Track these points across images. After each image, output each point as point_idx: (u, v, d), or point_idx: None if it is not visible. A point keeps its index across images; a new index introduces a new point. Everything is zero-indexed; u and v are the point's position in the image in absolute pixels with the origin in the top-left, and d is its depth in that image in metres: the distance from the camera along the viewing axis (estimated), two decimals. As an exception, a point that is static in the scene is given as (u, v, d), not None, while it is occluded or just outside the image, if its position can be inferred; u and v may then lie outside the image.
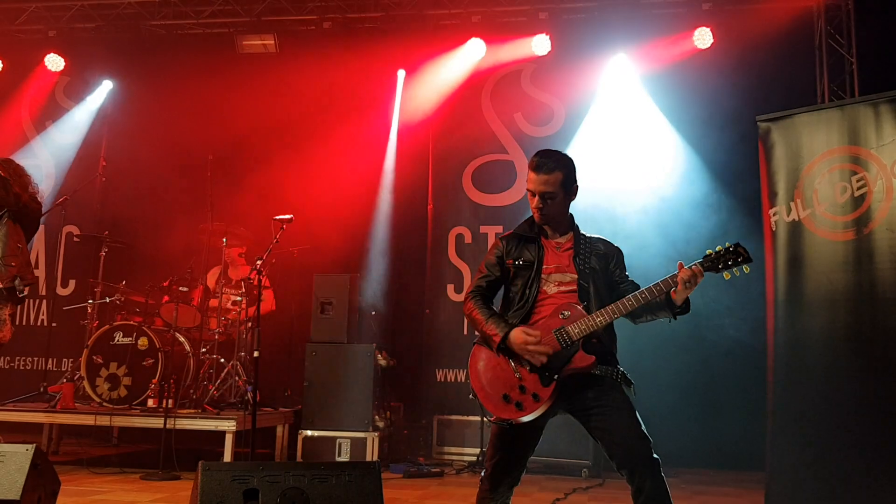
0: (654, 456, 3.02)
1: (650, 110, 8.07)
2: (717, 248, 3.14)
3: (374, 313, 7.74)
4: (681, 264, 3.13)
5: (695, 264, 3.12)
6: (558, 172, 3.31)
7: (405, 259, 8.51)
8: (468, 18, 8.58)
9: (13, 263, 4.82)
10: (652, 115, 8.05)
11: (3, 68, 9.15)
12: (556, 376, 3.13)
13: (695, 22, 7.92)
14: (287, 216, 5.78)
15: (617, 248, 3.46)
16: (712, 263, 3.12)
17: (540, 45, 8.25)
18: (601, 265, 3.35)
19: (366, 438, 6.72)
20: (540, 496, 5.59)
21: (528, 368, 3.16)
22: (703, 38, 7.85)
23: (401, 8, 8.63)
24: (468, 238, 8.47)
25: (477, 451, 7.14)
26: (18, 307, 5.00)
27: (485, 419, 7.13)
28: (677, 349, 7.29)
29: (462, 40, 8.45)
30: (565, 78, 8.30)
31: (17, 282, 4.82)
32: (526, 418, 3.14)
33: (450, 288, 8.39)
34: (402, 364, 7.80)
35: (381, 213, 8.50)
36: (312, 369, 7.01)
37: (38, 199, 5.12)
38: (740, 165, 7.23)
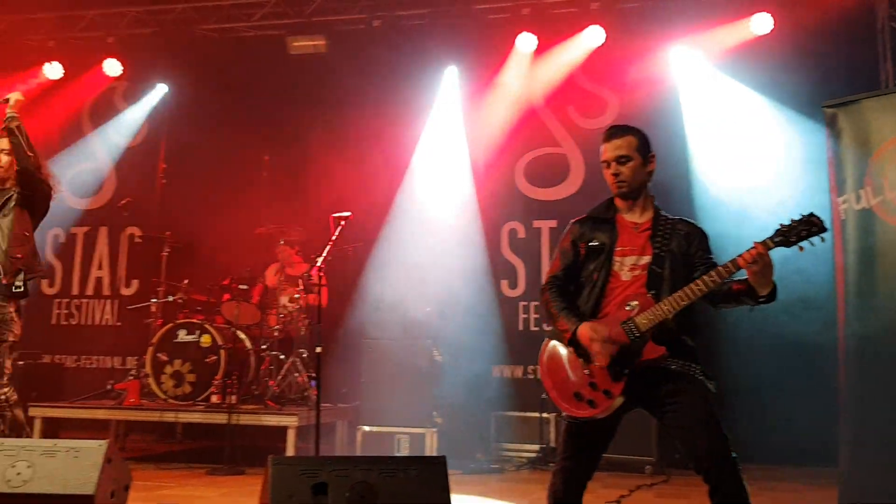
0: (733, 455, 2.92)
1: (708, 99, 7.92)
2: (789, 221, 2.95)
3: (428, 309, 7.75)
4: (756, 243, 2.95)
5: (762, 241, 2.94)
6: (631, 136, 3.25)
7: (458, 255, 8.48)
8: (518, 12, 8.52)
9: (19, 255, 4.74)
10: (711, 104, 7.90)
11: (64, 74, 9.35)
12: (626, 371, 3.04)
13: (752, 7, 7.75)
14: (345, 213, 5.81)
15: (700, 229, 3.28)
16: (783, 237, 2.93)
17: (592, 36, 8.15)
18: (681, 248, 3.18)
19: (424, 434, 6.74)
20: (603, 493, 5.54)
21: (597, 365, 3.09)
22: (763, 23, 7.67)
23: (450, 4, 8.61)
24: (521, 233, 8.43)
25: (537, 447, 7.10)
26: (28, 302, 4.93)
27: (544, 416, 7.11)
28: (746, 342, 7.16)
29: (512, 34, 8.38)
30: (619, 69, 8.19)
31: (19, 277, 4.71)
32: (599, 416, 3.08)
33: (503, 284, 8.37)
34: (457, 360, 7.78)
35: (432, 208, 8.49)
36: (369, 365, 7.05)
37: (51, 181, 5.01)
38: (802, 154, 7.06)
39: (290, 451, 6.26)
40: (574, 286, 3.32)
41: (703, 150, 7.90)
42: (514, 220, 8.45)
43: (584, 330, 3.11)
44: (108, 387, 7.23)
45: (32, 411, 6.82)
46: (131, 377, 7.13)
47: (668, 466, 6.48)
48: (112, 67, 9.26)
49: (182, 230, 8.21)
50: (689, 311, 3.12)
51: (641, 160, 3.25)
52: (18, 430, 4.83)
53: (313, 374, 6.81)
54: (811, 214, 2.94)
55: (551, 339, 3.29)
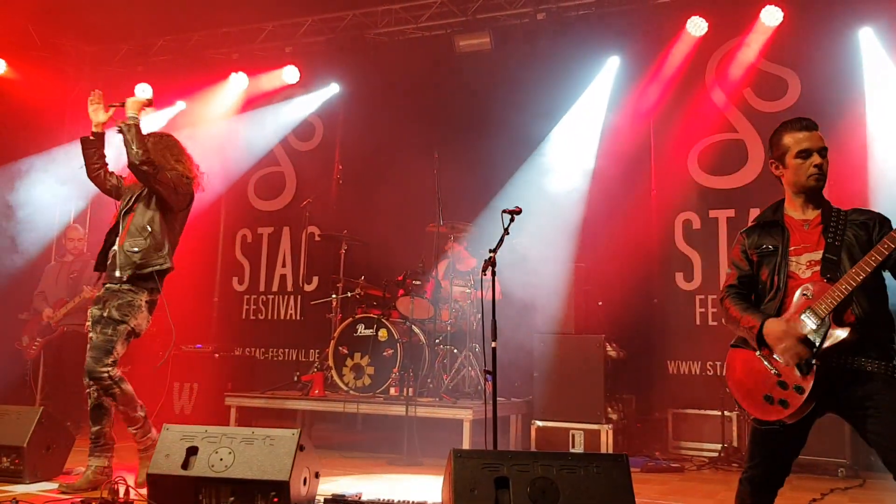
0: None
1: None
2: None
3: (600, 303, 7.64)
4: None
5: None
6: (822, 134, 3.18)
7: (630, 247, 8.31)
8: (688, -5, 8.22)
9: (135, 249, 4.93)
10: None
11: (248, 85, 9.95)
12: (813, 361, 2.89)
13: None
14: (516, 208, 5.81)
15: (880, 214, 3.11)
16: None
17: (770, 16, 7.71)
18: (860, 236, 3.02)
19: (599, 430, 6.66)
20: (793, 496, 5.24)
21: (783, 362, 2.97)
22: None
23: (616, -9, 8.45)
24: (696, 224, 8.12)
25: (718, 446, 6.84)
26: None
27: (726, 414, 6.83)
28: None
29: (681, 19, 8.10)
30: (800, 49, 7.72)
31: (128, 271, 4.90)
32: (794, 414, 2.93)
33: (678, 276, 8.10)
34: (631, 355, 7.63)
35: (601, 202, 8.35)
36: (541, 360, 7.05)
37: (178, 177, 5.09)
38: None
39: (465, 444, 6.36)
40: (754, 295, 3.24)
41: (884, 137, 7.28)
42: (688, 210, 8.15)
43: (772, 326, 3.00)
44: (295, 378, 7.62)
45: (228, 401, 7.33)
46: (316, 369, 7.49)
47: (864, 469, 6.07)
48: (291, 75, 9.74)
49: (358, 228, 8.52)
50: (880, 299, 2.98)
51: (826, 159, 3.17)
52: (132, 402, 4.99)
53: (488, 370, 6.88)
54: None
55: (734, 347, 3.21)
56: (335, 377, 7.17)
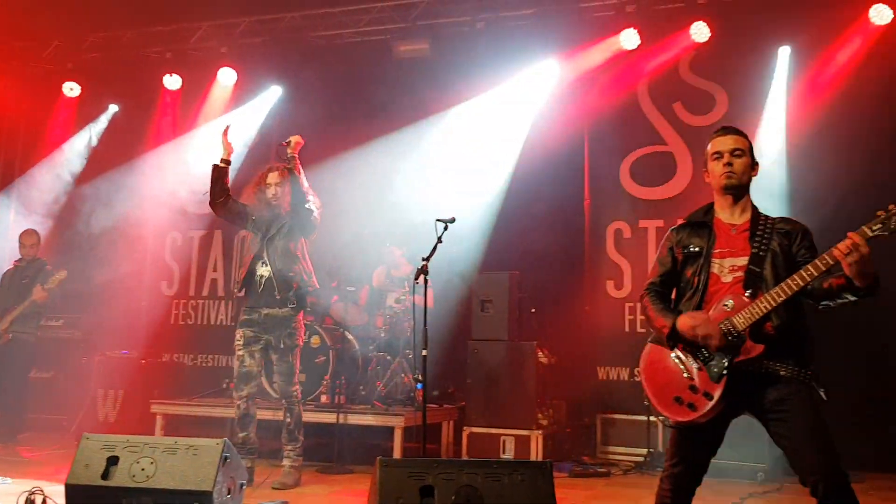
0: (843, 472, 2.82)
1: (818, 101, 7.57)
2: (888, 207, 2.80)
3: (533, 311, 7.72)
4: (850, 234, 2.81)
5: (858, 230, 2.80)
6: (744, 138, 3.29)
7: (563, 255, 8.43)
8: (622, 9, 8.36)
9: (291, 273, 5.54)
10: (819, 107, 7.55)
11: (181, 85, 9.78)
12: (725, 371, 2.98)
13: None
14: (449, 217, 5.84)
15: (801, 225, 3.19)
16: (883, 224, 2.78)
17: (699, 32, 7.93)
18: (783, 246, 3.11)
19: (530, 436, 6.72)
20: (713, 500, 5.38)
21: (696, 367, 3.06)
22: (881, 14, 7.27)
23: (554, 3, 8.54)
24: (627, 233, 8.27)
25: (644, 451, 6.97)
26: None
27: (652, 419, 6.96)
28: (867, 343, 6.85)
29: (617, 31, 8.25)
30: (727, 65, 7.96)
31: (290, 292, 5.55)
32: (700, 419, 3.02)
33: (609, 284, 8.23)
34: (562, 361, 7.73)
35: (536, 210, 8.45)
36: (474, 367, 7.09)
37: (317, 209, 5.74)
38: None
39: (397, 451, 6.36)
40: (675, 292, 3.33)
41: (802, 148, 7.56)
42: (619, 219, 8.30)
43: (684, 320, 3.10)
44: (224, 385, 7.51)
45: (154, 408, 7.18)
46: (245, 376, 7.37)
47: (782, 474, 6.24)
48: (227, 76, 9.59)
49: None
50: (796, 310, 3.06)
51: (750, 160, 3.27)
52: (300, 425, 5.72)
53: (419, 377, 6.90)
54: None
55: (651, 343, 3.29)
56: (265, 384, 7.06)
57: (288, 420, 5.65)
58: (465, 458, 6.77)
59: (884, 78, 7.28)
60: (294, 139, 5.76)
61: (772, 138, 7.64)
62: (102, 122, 10.20)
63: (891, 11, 7.23)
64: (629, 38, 8.18)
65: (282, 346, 5.55)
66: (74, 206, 9.73)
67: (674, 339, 3.14)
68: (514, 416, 6.82)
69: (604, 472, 6.60)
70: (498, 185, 8.50)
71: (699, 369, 3.05)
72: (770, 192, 7.28)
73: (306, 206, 5.61)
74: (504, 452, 6.73)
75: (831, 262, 2.86)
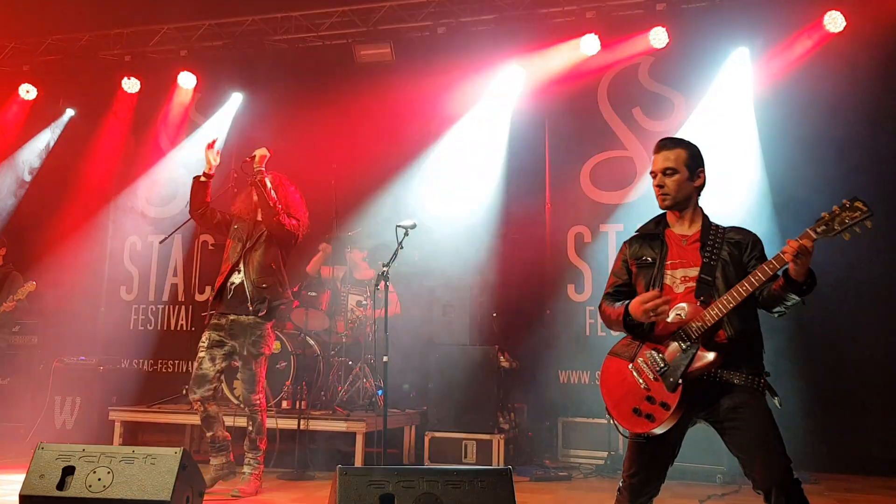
0: (795, 477, 2.87)
1: (775, 104, 7.72)
2: (832, 209, 2.87)
3: (495, 315, 7.76)
4: (790, 241, 2.89)
5: (804, 233, 2.88)
6: (680, 150, 3.27)
7: (524, 260, 8.48)
8: (583, 15, 8.46)
9: (264, 285, 5.50)
10: (777, 109, 7.70)
11: (140, 88, 9.67)
12: (680, 380, 3.01)
13: (823, 7, 7.53)
14: (410, 222, 5.87)
15: (753, 234, 3.25)
16: (827, 226, 2.86)
17: (657, 37, 8.05)
18: (733, 256, 3.16)
19: (491, 440, 6.75)
20: (672, 502, 5.47)
21: (652, 377, 3.10)
22: (835, 21, 7.44)
23: (514, 8, 8.61)
24: (588, 237, 8.35)
25: (605, 454, 7.04)
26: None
27: (613, 423, 7.03)
28: (820, 347, 7.00)
29: (577, 37, 8.34)
30: (685, 70, 8.08)
31: (263, 304, 5.50)
32: (658, 429, 3.05)
33: (570, 288, 8.31)
34: (524, 365, 7.78)
35: (498, 215, 8.50)
36: (436, 371, 7.10)
37: (295, 222, 5.73)
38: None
39: (358, 456, 6.35)
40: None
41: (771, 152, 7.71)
42: (580, 224, 8.38)
43: (634, 302, 3.13)
44: (184, 391, 7.41)
45: (112, 415, 7.08)
46: (205, 382, 7.30)
47: (740, 476, 6.32)
48: (187, 80, 9.51)
49: (253, 238, 8.36)
50: (749, 318, 3.11)
51: (688, 174, 3.26)
52: (262, 434, 5.63)
53: (380, 384, 6.90)
54: (855, 198, 2.85)
55: (610, 355, 3.31)
56: (225, 390, 7.01)
57: (250, 428, 5.61)
58: (427, 462, 6.78)
59: (839, 81, 7.41)
60: (259, 153, 5.72)
61: (737, 139, 7.78)
62: (59, 125, 10.04)
63: (844, 20, 7.39)
64: (589, 44, 8.27)
65: (245, 353, 5.51)
66: (28, 210, 9.58)
67: (630, 326, 3.19)
68: (475, 421, 6.84)
69: (565, 476, 6.65)
70: (458, 190, 8.52)
71: (655, 380, 3.09)
72: (749, 189, 7.47)
73: (275, 219, 5.58)
74: (466, 457, 6.75)
75: (778, 267, 2.92)
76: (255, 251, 5.60)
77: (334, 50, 9.26)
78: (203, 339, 5.56)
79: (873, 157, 7.22)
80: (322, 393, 7.08)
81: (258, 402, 5.58)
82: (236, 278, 5.57)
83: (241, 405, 5.72)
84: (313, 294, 7.35)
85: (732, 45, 7.87)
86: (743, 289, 2.97)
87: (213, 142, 5.77)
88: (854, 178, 7.05)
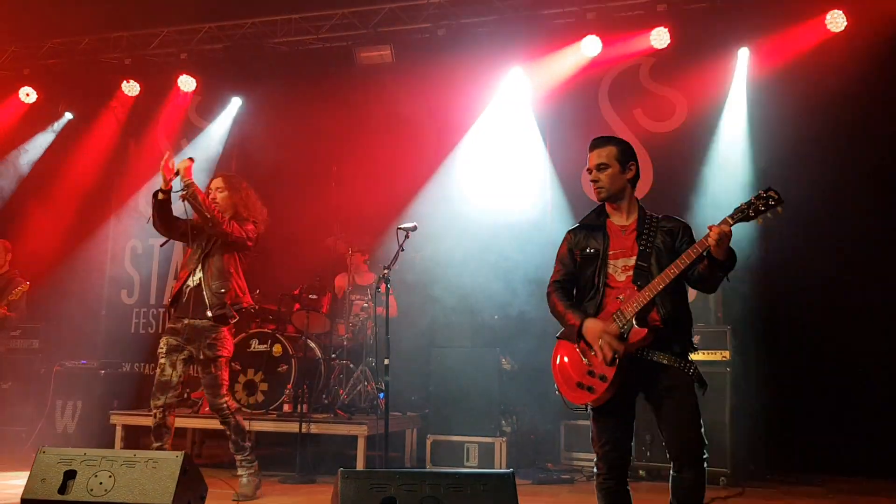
0: (704, 456, 3.31)
1: (777, 104, 7.71)
2: (749, 198, 3.24)
3: (496, 317, 7.73)
4: (711, 227, 3.23)
5: (722, 221, 3.21)
6: (611, 147, 3.58)
7: (524, 262, 8.44)
8: (583, 16, 8.42)
9: (222, 290, 5.35)
10: (778, 109, 7.70)
11: (140, 91, 9.66)
12: (616, 356, 3.34)
13: (824, 6, 7.52)
14: (411, 224, 5.84)
15: (684, 222, 3.57)
16: (742, 213, 3.22)
17: (659, 38, 8.02)
18: (666, 243, 3.48)
19: (493, 443, 6.73)
20: (676, 504, 5.44)
21: (593, 353, 3.40)
22: (836, 20, 7.42)
23: (515, 10, 8.59)
24: (589, 238, 8.30)
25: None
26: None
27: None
28: (825, 349, 6.98)
29: (578, 38, 8.32)
30: (687, 71, 8.05)
31: (222, 309, 5.35)
32: (599, 399, 3.39)
33: (572, 290, 8.26)
34: (525, 368, 7.75)
35: (498, 216, 8.47)
36: (438, 374, 7.08)
37: (245, 228, 5.55)
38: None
39: (360, 460, 6.33)
40: (577, 290, 3.64)
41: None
42: (580, 224, 8.33)
43: (590, 326, 3.42)
44: (185, 395, 7.41)
45: (113, 419, 7.06)
46: (206, 386, 7.29)
47: (743, 479, 6.33)
48: (186, 83, 9.50)
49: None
50: (680, 301, 3.48)
51: (620, 168, 3.55)
52: (242, 434, 5.50)
53: (381, 387, 6.88)
54: (769, 189, 3.22)
55: (560, 338, 3.62)
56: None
57: (228, 432, 5.50)
58: (428, 465, 6.76)
59: (840, 80, 7.39)
60: (181, 165, 5.29)
61: (734, 140, 7.77)
62: (57, 128, 10.04)
63: (845, 19, 7.38)
64: (590, 45, 8.25)
65: (201, 356, 5.33)
66: (28, 214, 9.57)
67: (581, 335, 3.45)
68: (476, 424, 6.82)
69: (568, 479, 6.63)
70: (460, 191, 8.51)
71: (594, 354, 3.41)
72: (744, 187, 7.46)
73: (218, 230, 5.39)
74: (468, 460, 6.74)
75: (701, 250, 3.27)
76: (212, 256, 5.46)
77: (334, 52, 9.24)
78: (161, 344, 5.41)
79: (873, 156, 7.20)
80: (323, 396, 7.06)
81: (225, 404, 5.43)
82: (192, 282, 5.43)
83: (212, 411, 5.54)
84: (314, 297, 7.33)
85: (735, 44, 7.85)
86: (671, 271, 3.31)
87: (168, 156, 5.34)
88: (853, 179, 7.08)
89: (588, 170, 3.60)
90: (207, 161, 9.68)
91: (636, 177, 3.59)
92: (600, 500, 3.59)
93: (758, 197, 3.22)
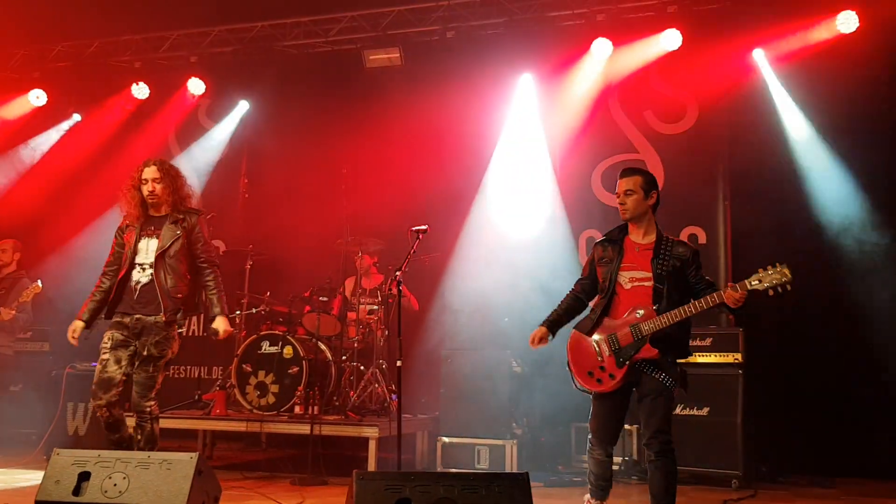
0: (671, 447, 4.03)
1: (787, 107, 7.71)
2: (766, 267, 3.87)
3: (507, 319, 7.72)
4: (730, 284, 3.92)
5: (742, 284, 3.88)
6: (637, 176, 4.28)
7: (535, 264, 8.43)
8: (593, 18, 8.41)
9: (179, 295, 5.17)
10: (790, 111, 7.69)
11: (150, 94, 9.70)
12: (627, 362, 4.12)
13: (835, 6, 7.49)
14: (423, 227, 5.83)
15: (695, 249, 4.25)
16: (759, 280, 3.84)
17: (670, 39, 8.00)
18: (677, 268, 4.14)
19: (504, 446, 6.72)
20: (688, 507, 5.44)
21: (608, 352, 4.17)
22: (848, 21, 7.40)
23: (524, 12, 8.58)
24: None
25: (619, 459, 6.98)
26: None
27: (626, 427, 6.99)
28: (845, 351, 6.96)
29: (588, 40, 8.30)
30: (697, 72, 8.01)
31: (178, 315, 5.19)
32: (604, 390, 4.20)
33: (580, 291, 8.24)
34: (536, 370, 7.73)
35: (509, 219, 8.47)
36: (448, 376, 7.07)
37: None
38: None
39: (371, 462, 6.33)
40: (594, 290, 4.45)
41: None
42: (591, 227, 8.34)
43: (533, 334, 4.55)
44: (197, 397, 7.43)
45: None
46: (218, 388, 7.31)
47: (755, 481, 6.31)
48: (196, 86, 9.53)
49: (264, 243, 8.39)
50: (685, 329, 4.15)
51: (644, 195, 4.25)
52: (153, 443, 5.15)
53: (393, 388, 6.89)
54: (785, 266, 3.84)
55: (575, 329, 4.40)
56: (238, 396, 7.02)
57: (138, 437, 5.10)
58: (439, 468, 6.75)
59: (857, 80, 7.37)
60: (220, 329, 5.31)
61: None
62: (65, 129, 10.10)
63: (857, 20, 7.35)
64: (600, 47, 8.24)
65: (146, 353, 5.03)
66: (37, 215, 9.61)
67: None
68: (487, 426, 6.81)
69: (579, 482, 6.58)
70: (470, 193, 8.51)
71: (609, 356, 4.18)
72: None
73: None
74: (479, 462, 6.73)
75: (718, 301, 3.94)
76: (170, 257, 5.18)
77: (343, 55, 9.25)
78: (105, 339, 5.10)
79: (885, 157, 7.19)
80: (334, 398, 7.06)
81: (150, 408, 5.10)
82: (143, 278, 5.14)
83: (132, 411, 5.14)
84: (324, 299, 7.34)
85: (747, 46, 7.84)
86: (688, 310, 3.98)
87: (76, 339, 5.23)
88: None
89: (616, 195, 4.27)
90: (215, 164, 9.72)
91: (657, 203, 4.28)
92: (590, 465, 4.44)
93: (776, 270, 3.85)
